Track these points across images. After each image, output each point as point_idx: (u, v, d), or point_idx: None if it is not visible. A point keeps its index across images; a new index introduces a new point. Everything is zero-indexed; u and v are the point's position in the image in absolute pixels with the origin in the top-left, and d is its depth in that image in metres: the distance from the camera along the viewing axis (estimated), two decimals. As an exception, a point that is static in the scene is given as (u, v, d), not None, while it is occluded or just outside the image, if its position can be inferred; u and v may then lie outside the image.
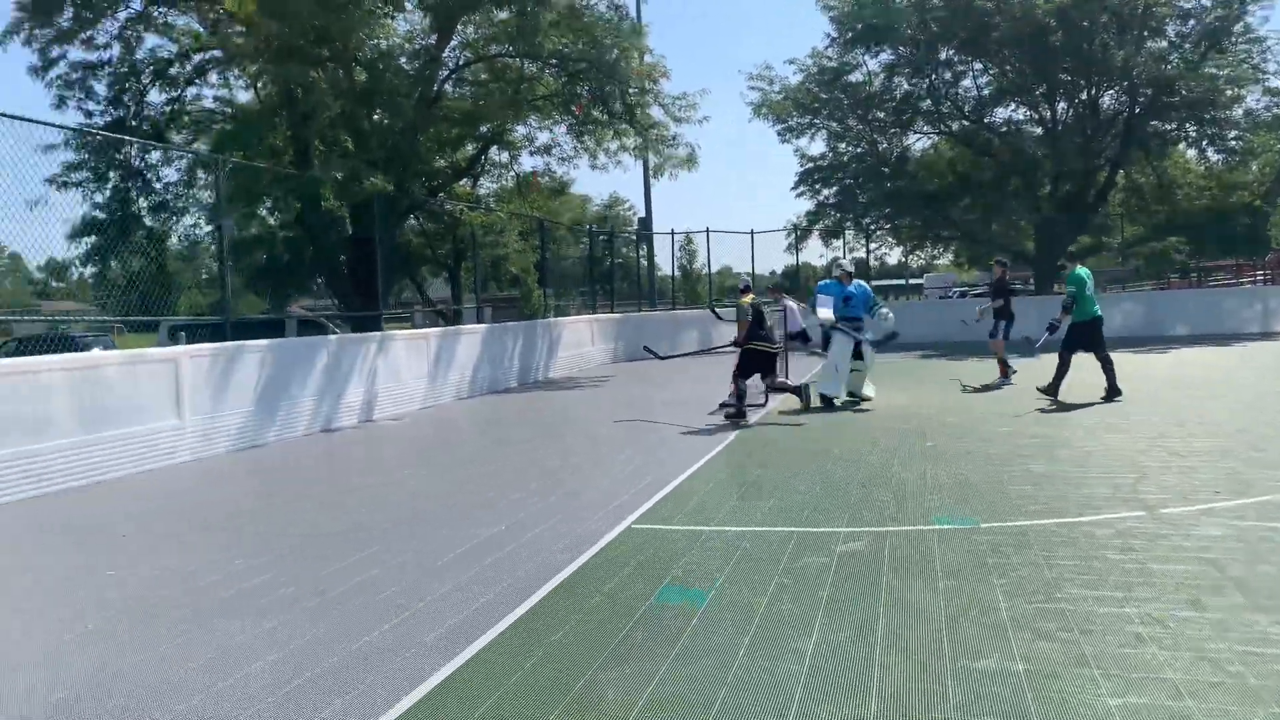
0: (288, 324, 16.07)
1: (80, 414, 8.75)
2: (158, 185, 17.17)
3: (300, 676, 3.95)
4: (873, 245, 33.94)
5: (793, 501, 6.90)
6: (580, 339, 21.09)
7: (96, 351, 10.63)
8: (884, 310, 13.40)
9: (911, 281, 43.17)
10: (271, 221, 18.24)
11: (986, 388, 13.90)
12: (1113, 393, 11.80)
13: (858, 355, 12.69)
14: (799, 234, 31.88)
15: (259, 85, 17.45)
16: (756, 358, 11.76)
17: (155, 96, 18.07)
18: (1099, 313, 12.17)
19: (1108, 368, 11.94)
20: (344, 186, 14.43)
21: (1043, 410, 11.16)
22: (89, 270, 14.59)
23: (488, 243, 19.45)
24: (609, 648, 4.12)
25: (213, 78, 18.62)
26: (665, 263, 34.65)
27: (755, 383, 12.18)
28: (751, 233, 26.81)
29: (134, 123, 17.29)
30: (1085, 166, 28.86)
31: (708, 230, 26.47)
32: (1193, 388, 12.93)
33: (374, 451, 10.56)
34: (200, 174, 16.78)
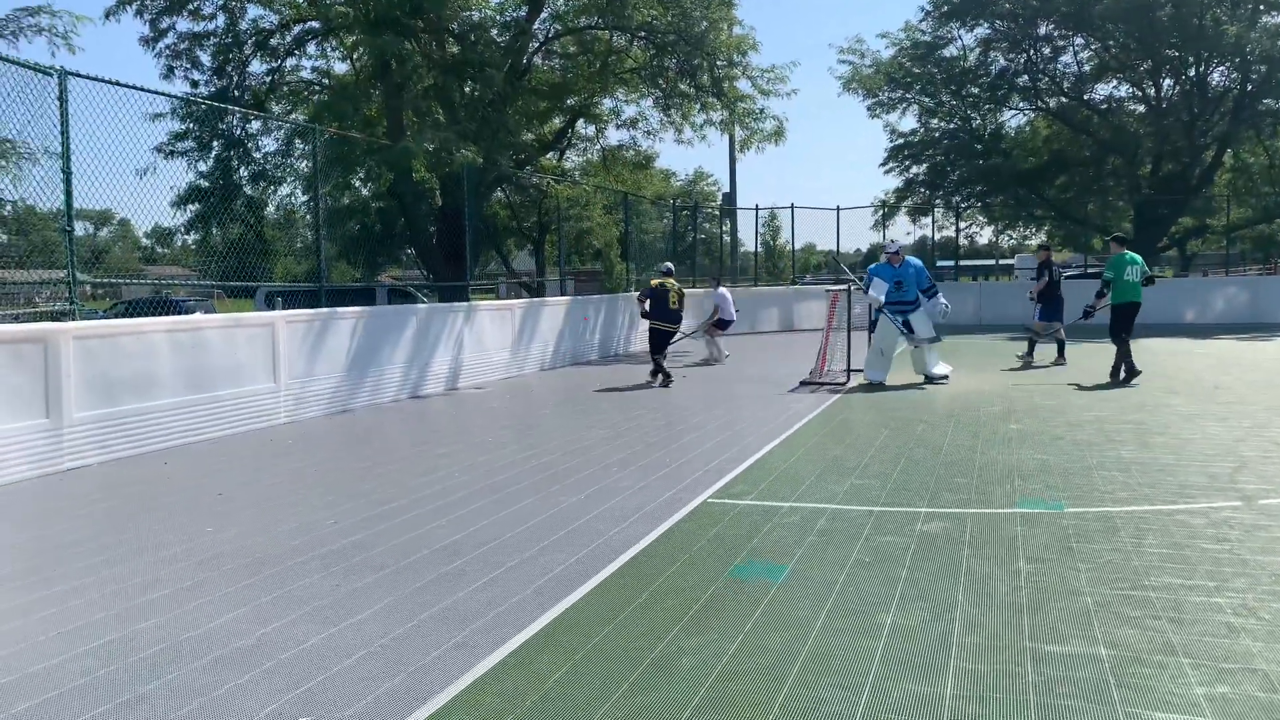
0: (378, 292, 16.49)
1: (182, 375, 9.14)
2: (257, 155, 17.71)
3: (390, 634, 4.10)
4: (962, 224, 33.15)
5: (872, 481, 6.85)
6: (662, 313, 21.11)
7: (199, 315, 11.05)
8: (941, 302, 13.04)
9: (1002, 262, 42.06)
10: (364, 192, 18.67)
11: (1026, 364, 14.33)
12: (1115, 375, 12.27)
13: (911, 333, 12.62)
14: (886, 211, 31.32)
15: (355, 56, 17.84)
16: (654, 334, 13.49)
17: (256, 67, 18.64)
18: (1138, 298, 12.44)
19: (1122, 352, 12.25)
20: (435, 158, 14.68)
21: (1138, 397, 10.82)
22: (192, 237, 15.14)
23: (572, 216, 19.58)
24: (685, 618, 4.18)
25: (311, 49, 19.13)
26: (748, 238, 34.40)
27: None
28: (837, 209, 26.43)
29: (236, 93, 17.85)
30: (1190, 145, 27.72)
31: (792, 206, 26.21)
32: (1299, 377, 12.38)
33: (459, 419, 10.79)
34: (297, 144, 17.23)
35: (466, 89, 16.64)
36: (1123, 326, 12.32)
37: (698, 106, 19.40)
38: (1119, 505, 5.96)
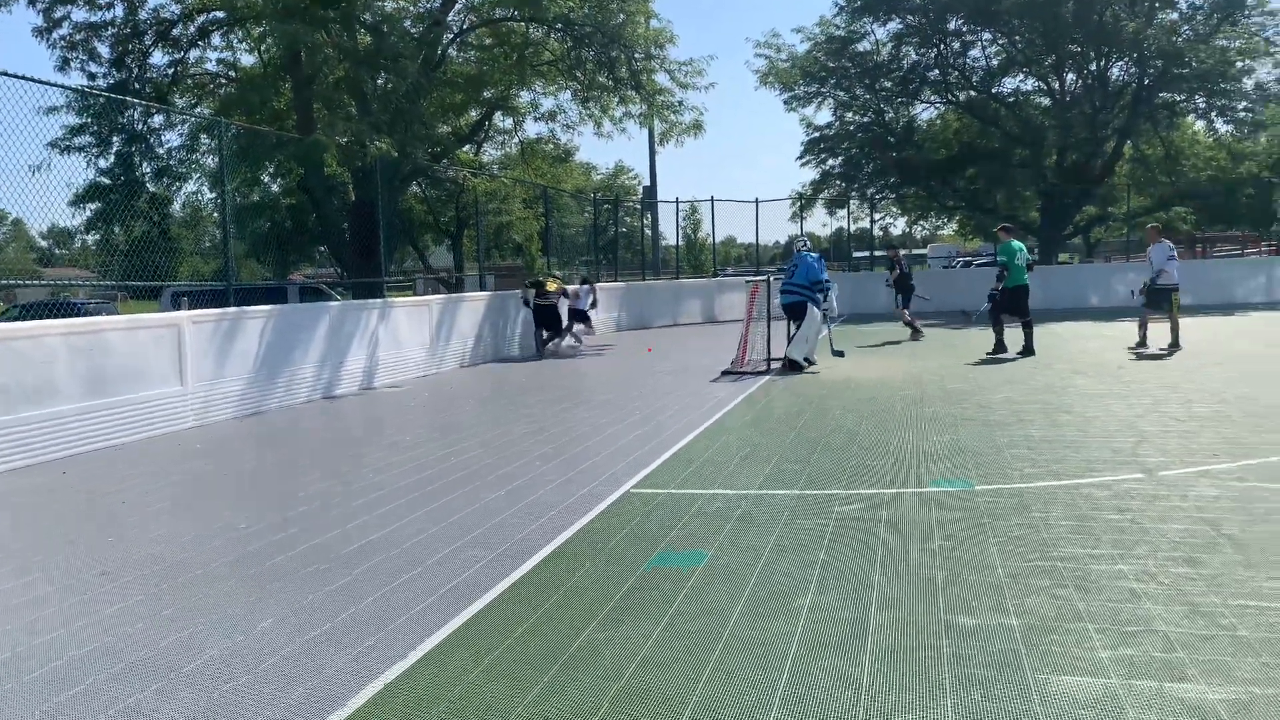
0: (290, 291, 16.07)
1: (82, 380, 8.77)
2: (160, 150, 17.12)
3: (304, 636, 3.99)
4: (877, 215, 33.80)
5: (791, 466, 6.91)
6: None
7: (99, 317, 10.63)
8: (829, 302, 13.95)
9: (916, 252, 43.00)
10: (274, 187, 18.20)
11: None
12: (1027, 351, 13.48)
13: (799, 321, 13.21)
14: (803, 203, 31.74)
15: (262, 47, 17.35)
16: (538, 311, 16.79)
17: (158, 59, 18.03)
18: (1026, 281, 13.85)
19: (1028, 330, 13.68)
20: (347, 151, 14.37)
21: (1045, 379, 11.15)
22: (92, 237, 14.58)
23: (491, 210, 19.39)
24: (605, 609, 4.15)
25: (216, 39, 18.55)
26: (670, 232, 34.49)
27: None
28: (756, 201, 26.67)
29: (136, 85, 17.22)
30: (1092, 137, 28.69)
31: (712, 199, 26.37)
32: (1195, 356, 12.91)
33: (375, 418, 10.59)
34: (203, 138, 16.70)
35: (379, 81, 16.33)
36: (1019, 308, 13.63)
37: (616, 99, 19.37)
38: (1028, 482, 6.12)
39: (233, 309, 10.81)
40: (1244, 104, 28.89)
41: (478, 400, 11.72)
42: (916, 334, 17.33)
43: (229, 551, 5.26)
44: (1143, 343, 14.00)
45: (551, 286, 17.11)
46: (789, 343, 13.21)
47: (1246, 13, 27.04)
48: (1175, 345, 13.69)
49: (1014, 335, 13.93)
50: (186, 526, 5.86)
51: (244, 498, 6.64)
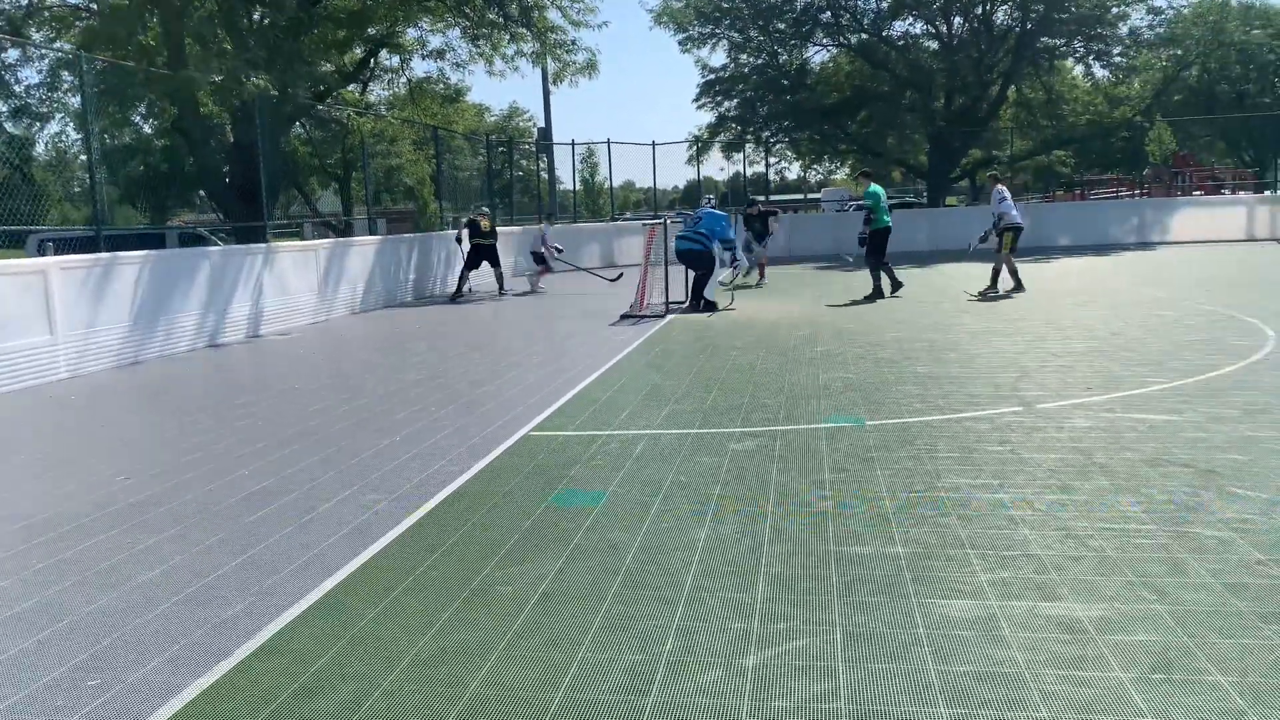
0: (168, 237, 15.33)
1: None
2: (18, 88, 15.98)
3: (193, 585, 3.87)
4: (772, 159, 34.06)
5: (688, 405, 6.99)
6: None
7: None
8: (739, 256, 15.11)
9: (810, 196, 43.58)
10: (146, 128, 17.23)
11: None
12: (876, 294, 14.07)
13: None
14: (700, 147, 31.74)
15: (127, -23, 16.26)
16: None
17: (10, -12, 16.72)
18: (889, 222, 14.42)
19: (888, 271, 14.30)
20: (222, 89, 13.67)
21: (932, 318, 11.50)
22: (-56, 179, 13.59)
23: (379, 152, 18.82)
24: (504, 549, 4.14)
25: (74, -32, 17.31)
26: (566, 176, 34.15)
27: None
28: (653, 144, 26.57)
29: (-13, 18, 15.99)
30: (978, 81, 29.38)
31: (609, 141, 26.14)
32: (1073, 295, 13.50)
33: (261, 367, 10.26)
34: (65, 75, 15.65)
35: (256, 15, 15.53)
36: (883, 250, 14.25)
37: (507, 37, 18.88)
38: (915, 416, 6.32)
39: (105, 255, 10.27)
40: (1119, 49, 29.98)
41: (370, 347, 11.46)
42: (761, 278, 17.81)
43: (108, 504, 5.05)
44: (993, 286, 13.97)
45: (486, 225, 17.01)
46: (694, 286, 13.30)
47: (1122, -42, 27.95)
48: (1017, 287, 13.86)
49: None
50: (60, 481, 5.59)
51: (123, 449, 6.38)
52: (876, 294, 14.06)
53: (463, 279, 17.01)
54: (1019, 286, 13.83)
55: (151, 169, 17.56)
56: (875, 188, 14.45)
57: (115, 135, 15.31)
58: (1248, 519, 4.10)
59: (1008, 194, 14.61)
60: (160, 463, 5.94)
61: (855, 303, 13.58)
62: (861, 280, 15.63)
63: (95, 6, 17.61)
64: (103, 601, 3.74)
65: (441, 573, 3.88)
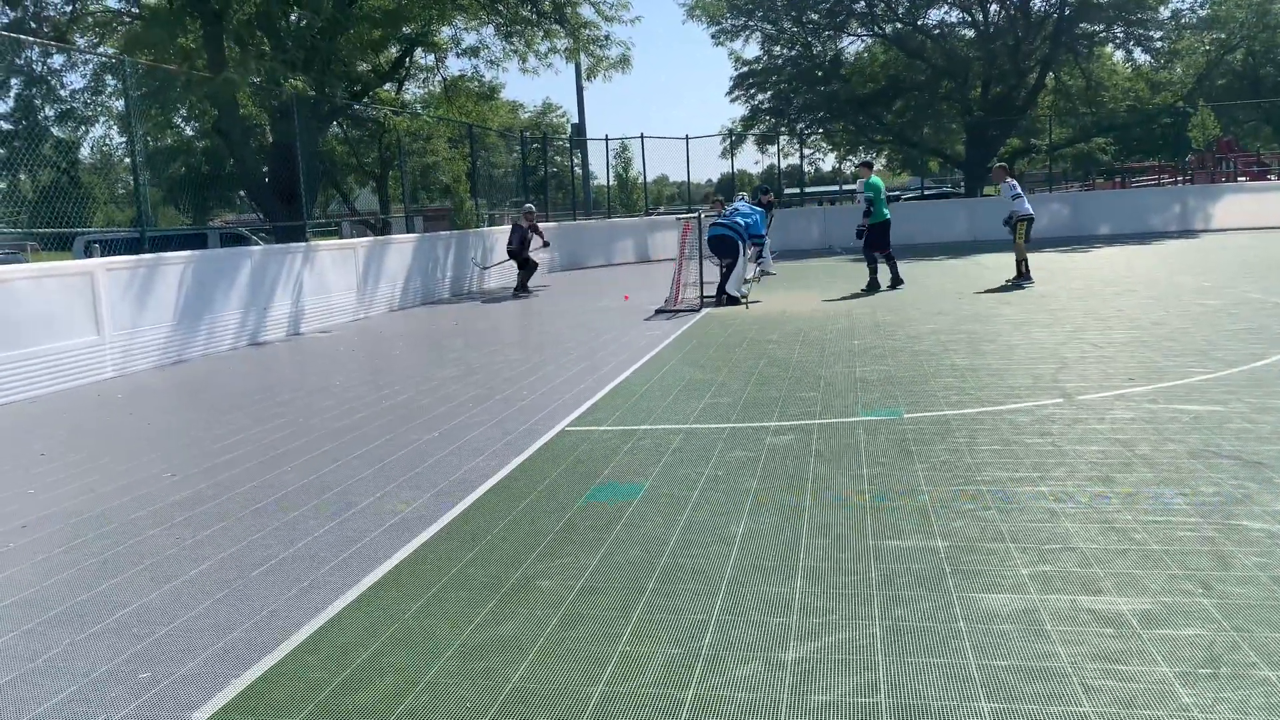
0: (209, 237, 15.58)
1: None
2: (63, 92, 16.30)
3: (235, 582, 3.94)
4: (807, 150, 33.86)
5: (725, 399, 6.99)
6: (514, 248, 20.80)
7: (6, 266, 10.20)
8: (765, 256, 14.77)
9: (845, 188, 43.26)
10: (188, 130, 17.50)
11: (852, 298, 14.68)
12: (896, 282, 14.17)
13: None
14: (734, 140, 31.64)
15: (167, -18, 16.51)
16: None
17: (55, -5, 17.04)
18: (889, 215, 14.24)
19: (892, 263, 14.23)
20: (261, 90, 13.85)
21: (971, 308, 11.39)
22: (-7, 184, 13.90)
23: (415, 150, 18.96)
24: (542, 543, 4.17)
25: (116, -27, 17.60)
26: (600, 171, 34.17)
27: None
28: (686, 138, 26.52)
29: (32, 25, 16.30)
30: (1015, 68, 29.00)
31: (642, 136, 26.13)
32: (1114, 284, 13.30)
33: (302, 365, 10.40)
34: (109, 80, 15.93)
35: (293, 17, 15.71)
36: (886, 242, 14.14)
37: (541, 34, 18.95)
38: (953, 409, 6.27)
39: (149, 255, 10.47)
40: (1160, 34, 29.45)
41: (409, 343, 11.58)
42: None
43: (156, 500, 5.16)
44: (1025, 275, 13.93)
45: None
46: (721, 280, 13.29)
47: (1163, -58, 27.44)
48: (1023, 276, 13.85)
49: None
50: (109, 477, 5.72)
51: (169, 446, 6.50)
52: (873, 287, 14.00)
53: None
54: (1025, 275, 13.85)
55: (193, 170, 17.85)
56: (875, 179, 14.33)
57: (158, 137, 15.57)
58: (1296, 511, 4.02)
59: (1018, 185, 14.48)
60: (204, 460, 6.05)
61: (854, 295, 13.57)
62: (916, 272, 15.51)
63: (137, 10, 17.93)
64: (152, 596, 3.82)
65: (482, 567, 3.93)
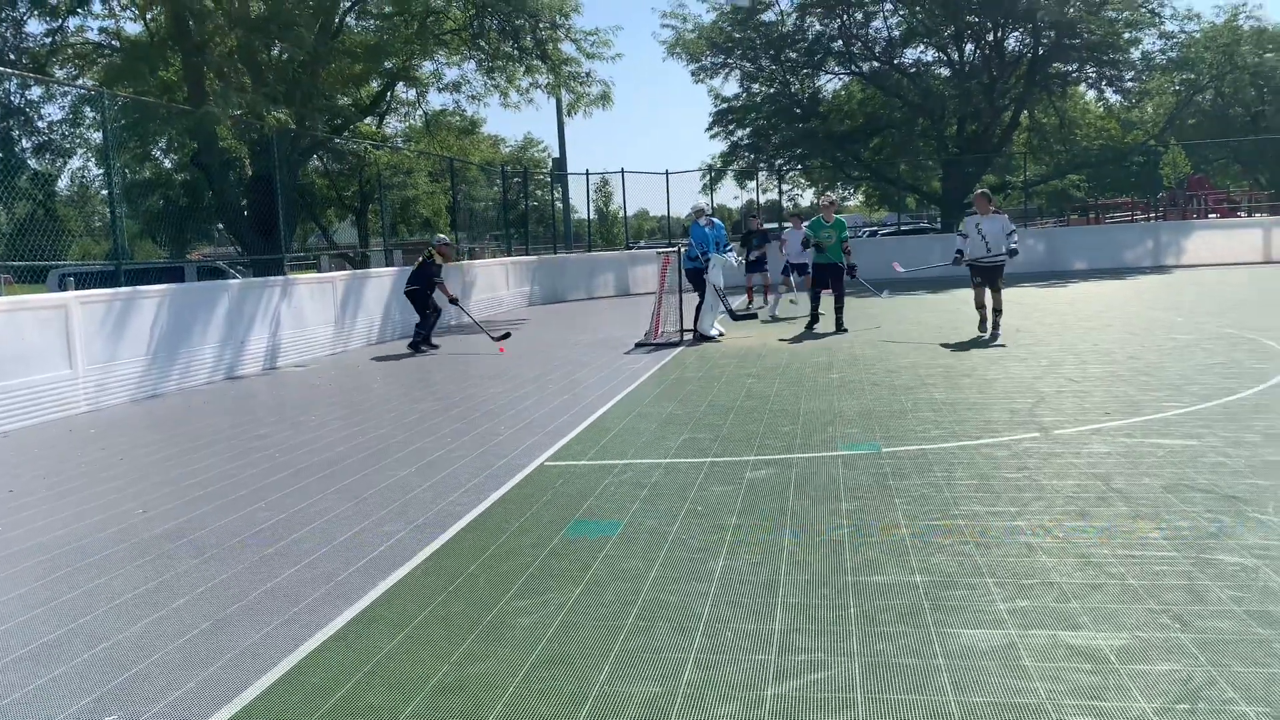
0: (186, 271, 15.50)
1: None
2: (41, 124, 16.25)
3: (209, 620, 3.88)
4: (785, 186, 34.15)
5: (704, 434, 6.98)
6: (494, 282, 20.84)
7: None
8: (713, 272, 13.65)
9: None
10: (166, 163, 17.47)
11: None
12: (813, 321, 13.71)
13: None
14: (713, 175, 31.89)
15: (148, 15, 16.56)
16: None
17: (34, 27, 17.08)
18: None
19: (838, 303, 13.49)
20: (242, 123, 13.86)
21: (946, 343, 11.47)
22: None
23: (395, 184, 19.00)
24: (521, 579, 4.14)
25: (96, 6, 17.59)
26: (581, 205, 34.31)
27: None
28: (666, 173, 26.71)
29: (11, 56, 16.27)
30: (990, 107, 29.41)
31: (623, 171, 26.30)
32: (1089, 319, 13.44)
33: (280, 399, 10.33)
34: (87, 111, 15.90)
35: (274, 50, 15.76)
36: (825, 282, 13.62)
37: (522, 69, 19.09)
38: (931, 443, 6.30)
39: (125, 289, 10.39)
40: (1131, 74, 29.98)
41: (387, 378, 11.52)
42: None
43: (130, 536, 5.08)
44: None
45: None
46: (696, 314, 13.34)
47: (1133, -16, 28.02)
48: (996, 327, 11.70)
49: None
50: (82, 512, 5.64)
51: (143, 482, 6.42)
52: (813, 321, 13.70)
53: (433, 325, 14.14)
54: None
55: (171, 203, 17.79)
56: (841, 220, 13.82)
57: (136, 170, 15.52)
58: (1270, 545, 4.06)
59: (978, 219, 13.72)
60: (178, 495, 5.98)
61: (833, 332, 13.03)
62: (883, 307, 15.64)
63: (117, 44, 17.96)
64: (126, 633, 3.76)
65: (459, 603, 3.89)
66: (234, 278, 14.57)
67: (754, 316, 14.89)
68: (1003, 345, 11.01)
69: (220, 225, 19.03)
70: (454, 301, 14.08)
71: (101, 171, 13.83)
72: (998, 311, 11.60)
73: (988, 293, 11.70)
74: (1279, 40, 36.22)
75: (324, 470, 6.46)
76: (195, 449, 7.52)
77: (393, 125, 23.18)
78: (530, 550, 4.52)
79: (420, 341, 13.77)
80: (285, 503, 5.64)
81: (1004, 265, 11.70)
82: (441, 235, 15.32)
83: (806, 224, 13.87)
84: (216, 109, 13.33)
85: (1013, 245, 11.50)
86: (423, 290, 13.76)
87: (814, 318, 13.85)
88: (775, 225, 29.39)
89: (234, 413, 9.49)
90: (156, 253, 17.04)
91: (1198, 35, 30.45)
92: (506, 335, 14.04)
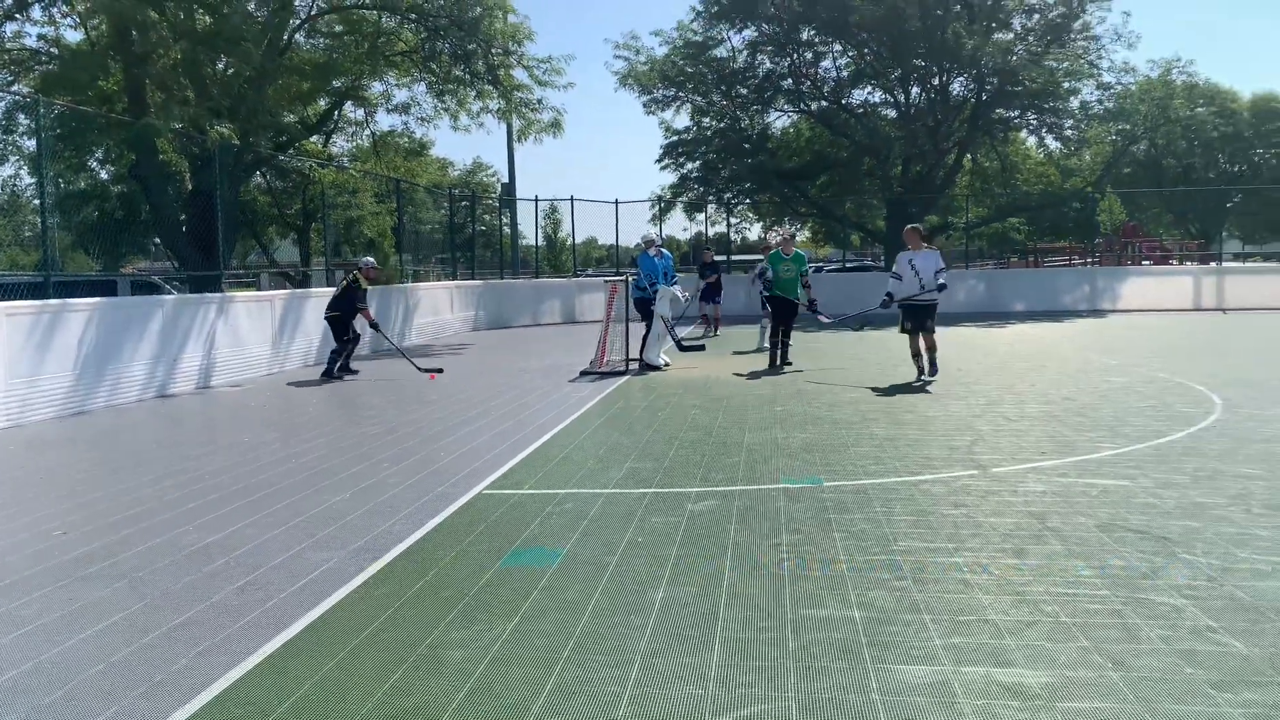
0: (120, 284, 15.10)
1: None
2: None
3: (129, 646, 3.73)
4: (734, 220, 34.51)
5: (647, 464, 6.95)
6: (438, 306, 20.66)
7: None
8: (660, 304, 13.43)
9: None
10: (103, 174, 17.05)
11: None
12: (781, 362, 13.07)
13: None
14: (663, 206, 32.09)
15: (89, 24, 16.22)
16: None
17: (-32, 32, 16.57)
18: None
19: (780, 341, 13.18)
20: (183, 137, 13.59)
21: (890, 380, 11.60)
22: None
23: (340, 203, 18.77)
24: (456, 609, 4.05)
25: (36, 13, 17.18)
26: (529, 231, 34.25)
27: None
28: (616, 203, 26.85)
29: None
30: (935, 149, 30.09)
31: (572, 199, 26.36)
32: (1027, 359, 13.71)
33: (211, 419, 10.07)
34: (21, 118, 15.49)
35: (220, 64, 15.53)
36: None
37: (473, 94, 19.07)
38: (871, 478, 6.33)
39: (54, 301, 10.09)
40: (1070, 122, 30.93)
41: (324, 400, 11.31)
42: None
43: (46, 558, 4.88)
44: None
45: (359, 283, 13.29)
46: (642, 344, 13.33)
47: (1072, 36, 28.97)
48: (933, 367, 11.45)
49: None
50: (-4, 534, 5.40)
51: (64, 502, 6.18)
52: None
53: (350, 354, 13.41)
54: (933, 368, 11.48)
55: (106, 215, 17.35)
56: (800, 254, 13.59)
57: (71, 180, 15.12)
58: (1198, 585, 4.13)
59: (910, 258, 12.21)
60: (100, 517, 5.77)
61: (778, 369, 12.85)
62: (825, 341, 15.79)
63: (56, 51, 17.55)
64: (32, 663, 3.58)
65: (390, 635, 3.78)
66: (169, 293, 14.24)
67: (702, 348, 14.89)
68: (934, 380, 11.05)
69: (157, 239, 18.60)
70: (374, 326, 13.67)
71: (34, 180, 13.45)
72: (932, 349, 11.34)
73: (921, 338, 11.36)
74: (1209, 95, 37.66)
75: (255, 493, 6.28)
76: (122, 469, 7.28)
77: (339, 144, 22.99)
78: (466, 580, 4.43)
79: (339, 368, 13.09)
80: (213, 526, 5.47)
81: (936, 305, 11.37)
82: (369, 258, 14.62)
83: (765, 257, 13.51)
84: (157, 121, 13.07)
85: (941, 281, 11.22)
86: (344, 316, 13.18)
87: (776, 360, 13.06)
88: (724, 258, 29.66)
89: (164, 432, 9.22)
90: (89, 265, 16.59)
91: (1133, 88, 31.54)
92: (439, 370, 13.34)
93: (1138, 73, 31.82)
